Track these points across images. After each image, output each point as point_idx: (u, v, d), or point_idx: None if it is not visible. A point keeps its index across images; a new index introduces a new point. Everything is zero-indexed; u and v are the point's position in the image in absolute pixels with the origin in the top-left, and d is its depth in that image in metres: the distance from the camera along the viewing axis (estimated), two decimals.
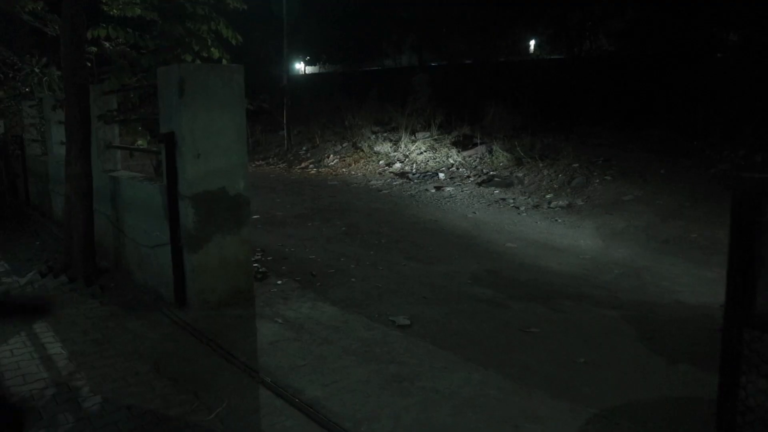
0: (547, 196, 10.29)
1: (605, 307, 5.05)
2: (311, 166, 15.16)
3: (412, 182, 12.19)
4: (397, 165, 13.75)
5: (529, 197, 10.35)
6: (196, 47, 6.46)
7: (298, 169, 15.09)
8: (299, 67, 39.25)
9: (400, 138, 15.50)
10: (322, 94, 21.85)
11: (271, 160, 16.54)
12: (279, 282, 5.72)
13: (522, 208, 9.56)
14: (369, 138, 15.89)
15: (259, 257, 6.64)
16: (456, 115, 16.70)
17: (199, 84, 4.72)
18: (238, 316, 4.80)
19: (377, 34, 31.53)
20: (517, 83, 21.35)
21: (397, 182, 12.26)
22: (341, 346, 4.18)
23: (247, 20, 23.23)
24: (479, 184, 11.53)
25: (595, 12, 25.02)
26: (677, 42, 19.96)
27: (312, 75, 36.69)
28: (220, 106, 4.86)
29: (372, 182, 12.46)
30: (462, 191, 11.11)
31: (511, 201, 10.15)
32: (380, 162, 14.22)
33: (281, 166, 15.76)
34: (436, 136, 14.91)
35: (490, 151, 13.01)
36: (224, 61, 6.94)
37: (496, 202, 10.15)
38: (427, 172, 12.78)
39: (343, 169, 14.39)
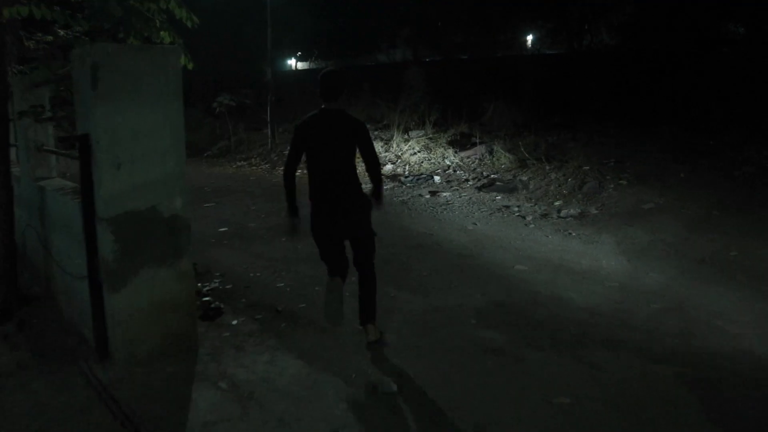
0: (556, 204, 9.17)
1: (650, 359, 3.92)
2: None
3: (404, 186, 11.05)
4: (389, 167, 12.60)
5: (535, 204, 9.22)
6: (137, 26, 5.30)
7: (282, 170, 13.89)
8: (291, 63, 38.16)
9: (392, 137, 14.36)
10: (311, 90, 20.68)
11: (253, 160, 15.35)
12: (234, 322, 4.57)
13: (529, 218, 8.43)
14: None
15: (217, 285, 5.49)
16: (453, 112, 15.60)
17: (120, 71, 3.56)
18: (172, 376, 3.66)
19: (371, 28, 30.59)
20: (516, 79, 20.33)
21: (388, 186, 11.12)
22: (301, 429, 3.04)
23: (236, 14, 22.02)
24: (479, 189, 10.39)
25: (596, 4, 24.09)
26: (682, 35, 18.99)
27: (303, 71, 35.48)
28: (150, 100, 3.69)
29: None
30: (460, 197, 9.98)
31: (516, 209, 9.02)
32: None
33: (264, 167, 14.59)
34: (431, 135, 13.77)
35: (491, 152, 11.87)
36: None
37: (499, 210, 9.02)
38: (421, 174, 11.64)
39: None
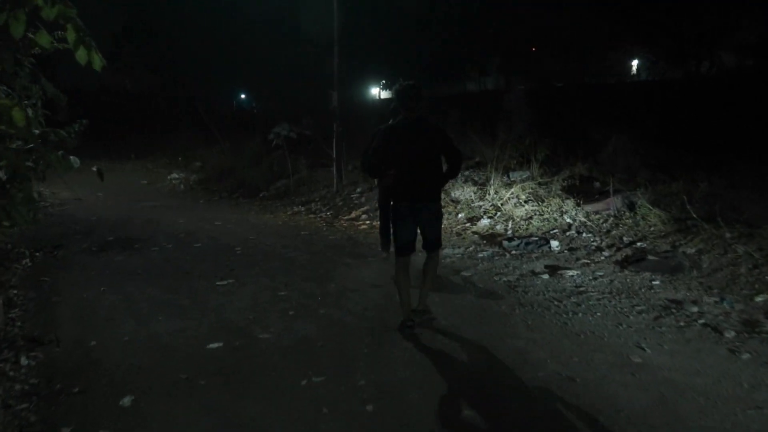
0: (759, 299, 5.67)
1: None
2: (364, 216, 10.95)
3: (508, 255, 7.75)
4: (485, 222, 9.33)
5: (722, 299, 5.73)
6: None
7: (345, 221, 10.87)
8: (375, 92, 35.99)
9: (487, 179, 11.13)
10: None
11: (314, 205, 12.38)
12: None
13: (729, 333, 4.95)
14: None
15: None
16: (564, 149, 12.28)
17: None
18: None
19: (459, 54, 28.03)
20: (635, 108, 16.98)
21: (485, 254, 7.84)
22: None
23: (303, 36, 19.54)
24: (621, 264, 6.99)
25: (721, 23, 20.49)
26: None
27: (387, 100, 32.99)
28: None
29: (446, 251, 8.10)
30: (595, 278, 6.61)
31: (694, 308, 5.57)
32: (459, 215, 9.84)
33: (325, 214, 11.59)
34: (539, 179, 10.43)
35: (631, 206, 8.42)
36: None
37: (666, 309, 5.59)
38: (531, 236, 8.30)
39: None
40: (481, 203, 10.00)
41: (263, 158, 15.67)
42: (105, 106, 31.83)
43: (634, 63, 30.43)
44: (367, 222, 10.60)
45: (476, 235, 8.91)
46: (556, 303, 5.83)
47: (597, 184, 10.34)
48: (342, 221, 10.87)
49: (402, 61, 27.73)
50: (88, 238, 9.50)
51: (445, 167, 5.01)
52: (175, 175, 18.77)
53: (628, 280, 6.51)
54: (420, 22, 25.53)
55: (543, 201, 9.33)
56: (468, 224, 9.47)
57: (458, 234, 9.13)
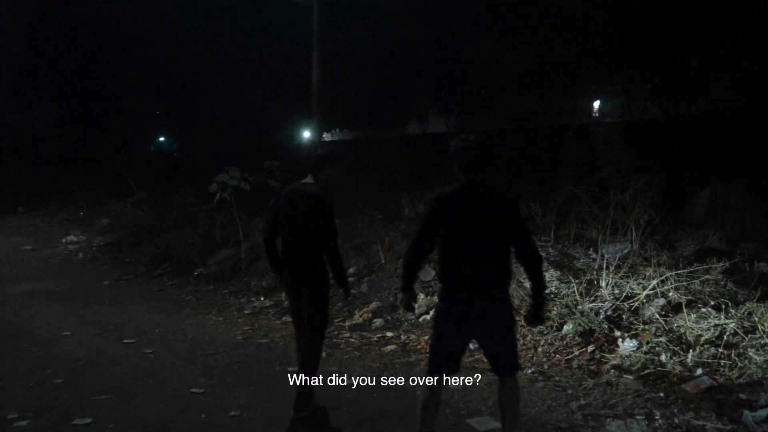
0: None
1: None
2: (378, 321, 6.58)
3: None
4: (629, 346, 5.09)
5: None
6: None
7: (349, 329, 6.46)
8: (306, 135, 32.10)
9: (559, 256, 7.07)
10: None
11: (284, 294, 7.91)
12: None
13: None
14: None
15: None
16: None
17: None
18: None
19: (407, 94, 24.61)
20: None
21: None
22: None
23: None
24: None
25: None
26: None
27: (334, 142, 29.01)
28: None
29: (612, 429, 3.88)
30: None
31: None
32: (565, 329, 5.61)
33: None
34: (684, 264, 6.39)
35: None
36: None
37: None
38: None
39: None
40: (597, 305, 5.80)
41: (198, 218, 11.12)
42: None
43: (596, 103, 27.97)
44: (389, 334, 6.25)
45: (627, 377, 4.71)
46: None
47: (763, 266, 6.43)
48: (345, 332, 6.46)
49: (333, 100, 24.22)
50: None
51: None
52: (72, 238, 13.92)
53: None
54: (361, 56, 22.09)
55: (733, 305, 5.20)
56: (591, 348, 5.25)
57: (592, 372, 4.89)
